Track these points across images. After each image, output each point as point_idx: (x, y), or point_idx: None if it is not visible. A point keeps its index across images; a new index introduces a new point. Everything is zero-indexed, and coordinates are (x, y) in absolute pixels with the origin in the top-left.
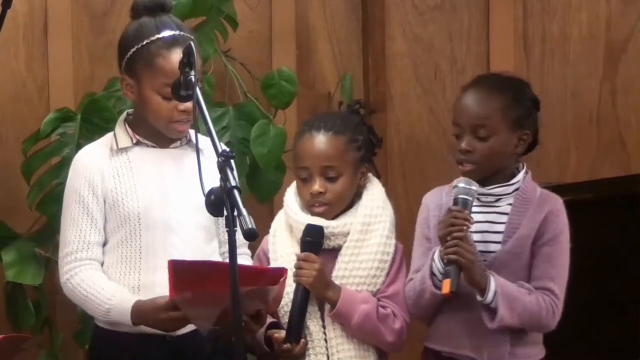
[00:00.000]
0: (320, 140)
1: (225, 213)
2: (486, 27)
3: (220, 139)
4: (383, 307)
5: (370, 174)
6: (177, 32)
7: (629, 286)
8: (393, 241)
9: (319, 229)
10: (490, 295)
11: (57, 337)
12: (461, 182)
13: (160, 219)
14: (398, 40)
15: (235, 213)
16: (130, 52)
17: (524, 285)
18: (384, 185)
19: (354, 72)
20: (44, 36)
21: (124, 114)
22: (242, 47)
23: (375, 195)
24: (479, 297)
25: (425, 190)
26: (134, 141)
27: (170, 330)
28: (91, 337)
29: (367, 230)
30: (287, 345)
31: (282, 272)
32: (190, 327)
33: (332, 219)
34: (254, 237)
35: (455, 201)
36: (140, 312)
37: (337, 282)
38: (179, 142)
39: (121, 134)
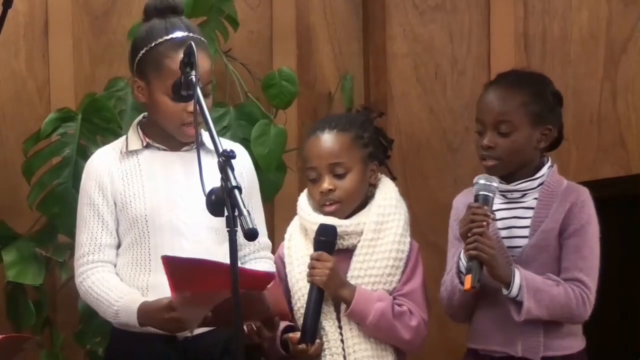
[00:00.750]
0: (326, 138)
1: (226, 213)
2: (487, 27)
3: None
4: (399, 305)
5: (382, 175)
6: (186, 34)
7: (629, 286)
8: (408, 239)
9: (332, 228)
10: (515, 289)
11: (57, 337)
12: (481, 179)
13: (168, 221)
14: (398, 41)
15: (236, 213)
16: (140, 54)
17: (551, 277)
18: None
19: (354, 72)
20: (44, 36)
21: (140, 117)
22: (242, 47)
23: (388, 194)
24: (504, 291)
25: (426, 190)
26: (144, 144)
27: (174, 332)
28: (109, 337)
29: (380, 229)
30: (302, 346)
31: (270, 276)
32: (201, 329)
33: (346, 218)
34: (254, 237)
35: (476, 198)
36: (146, 312)
37: (352, 282)
38: (189, 145)
39: (133, 136)
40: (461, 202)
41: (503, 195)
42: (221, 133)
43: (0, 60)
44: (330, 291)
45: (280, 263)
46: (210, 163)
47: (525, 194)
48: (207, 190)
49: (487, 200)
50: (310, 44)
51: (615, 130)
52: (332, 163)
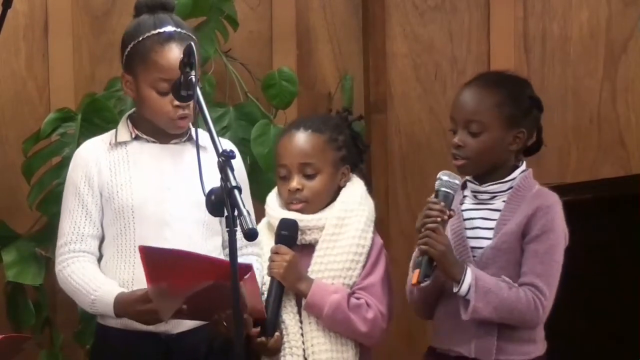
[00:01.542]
0: (299, 138)
1: (225, 213)
2: (487, 27)
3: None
4: (357, 298)
5: (354, 175)
6: (174, 29)
7: (629, 286)
8: (370, 235)
9: (293, 222)
10: (465, 287)
11: (57, 337)
12: (444, 175)
13: (155, 213)
14: (398, 41)
15: (236, 213)
16: (128, 49)
17: (505, 280)
18: (384, 185)
19: (354, 73)
20: (44, 36)
21: (131, 110)
22: (242, 47)
23: (353, 192)
24: (454, 288)
25: (426, 190)
26: (133, 136)
27: (149, 323)
28: (94, 335)
29: (342, 224)
30: (261, 339)
31: (247, 268)
32: (186, 326)
33: None
34: (254, 237)
35: (436, 193)
36: (122, 304)
37: (313, 276)
38: (179, 138)
39: (122, 128)
40: None
41: (474, 196)
42: (221, 133)
43: (0, 60)
44: (288, 284)
45: None
46: (203, 159)
47: (495, 196)
48: (200, 186)
49: (447, 197)
50: (310, 44)
51: (615, 130)
52: (303, 163)
